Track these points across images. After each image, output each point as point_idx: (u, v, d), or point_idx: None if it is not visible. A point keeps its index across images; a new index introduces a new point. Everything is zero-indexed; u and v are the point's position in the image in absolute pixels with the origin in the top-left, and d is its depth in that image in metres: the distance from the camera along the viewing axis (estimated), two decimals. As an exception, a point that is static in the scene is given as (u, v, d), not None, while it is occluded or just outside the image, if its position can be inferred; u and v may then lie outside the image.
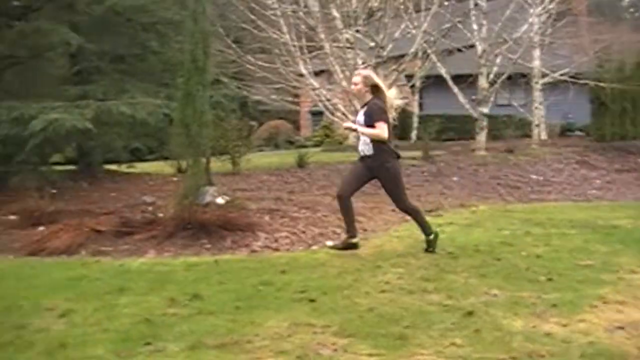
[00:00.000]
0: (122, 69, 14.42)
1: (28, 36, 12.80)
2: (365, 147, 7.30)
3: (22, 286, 6.59)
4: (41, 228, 8.99)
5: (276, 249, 7.85)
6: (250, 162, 15.67)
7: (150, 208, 9.96)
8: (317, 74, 20.69)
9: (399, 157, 7.41)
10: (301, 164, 16.01)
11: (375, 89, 7.30)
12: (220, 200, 8.95)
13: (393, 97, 7.49)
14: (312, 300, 5.60)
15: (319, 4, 17.94)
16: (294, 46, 18.06)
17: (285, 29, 17.95)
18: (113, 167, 16.28)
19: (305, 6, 17.76)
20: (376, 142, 7.17)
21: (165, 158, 17.38)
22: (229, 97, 14.79)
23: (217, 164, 13.19)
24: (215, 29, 16.61)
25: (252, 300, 5.70)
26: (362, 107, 7.49)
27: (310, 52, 18.89)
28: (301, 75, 18.87)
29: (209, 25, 9.50)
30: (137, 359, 4.46)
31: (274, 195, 10.99)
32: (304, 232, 8.45)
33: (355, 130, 7.56)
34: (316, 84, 18.57)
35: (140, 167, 17.79)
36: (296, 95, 26.13)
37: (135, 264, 7.35)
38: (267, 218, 9.01)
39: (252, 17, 18.73)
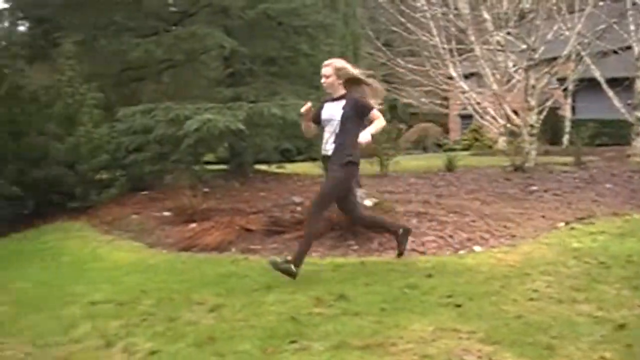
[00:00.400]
0: (273, 71, 14.69)
1: (184, 40, 13.27)
2: (329, 147, 6.47)
3: (174, 280, 6.83)
4: (193, 225, 9.27)
5: (423, 253, 7.71)
6: (399, 165, 15.54)
7: (298, 208, 10.05)
8: (466, 76, 20.35)
9: (353, 163, 6.45)
10: (450, 167, 15.73)
11: (351, 82, 6.51)
12: (368, 202, 8.91)
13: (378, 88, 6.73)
14: (458, 306, 5.45)
15: (469, 6, 17.64)
16: (444, 49, 17.86)
17: (435, 31, 17.79)
18: (263, 167, 16.59)
19: (456, 8, 17.51)
20: (344, 135, 6.34)
21: (314, 159, 17.53)
22: (378, 99, 14.74)
23: (366, 166, 13.15)
24: (365, 32, 16.68)
25: (398, 302, 5.62)
26: (334, 100, 6.54)
27: (460, 54, 18.63)
28: (451, 78, 18.64)
29: (359, 28, 9.50)
30: (282, 356, 4.49)
31: (421, 198, 10.83)
32: (451, 236, 8.27)
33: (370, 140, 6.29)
34: (466, 87, 18.29)
35: (290, 167, 18.04)
36: (445, 98, 25.86)
37: (283, 263, 7.43)
38: (414, 221, 8.89)
39: (402, 19, 18.68)
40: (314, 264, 7.21)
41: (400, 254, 7.08)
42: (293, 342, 4.68)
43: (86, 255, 8.70)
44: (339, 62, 6.52)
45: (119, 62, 14.82)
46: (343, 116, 6.33)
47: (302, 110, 6.66)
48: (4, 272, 8.12)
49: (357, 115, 6.40)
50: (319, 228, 6.65)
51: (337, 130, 6.38)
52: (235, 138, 12.92)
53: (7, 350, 5.21)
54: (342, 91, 6.48)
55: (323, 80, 6.50)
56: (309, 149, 19.31)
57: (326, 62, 6.53)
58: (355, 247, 7.88)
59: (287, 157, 20.21)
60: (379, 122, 6.33)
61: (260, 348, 4.60)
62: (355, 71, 6.52)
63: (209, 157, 17.56)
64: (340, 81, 6.44)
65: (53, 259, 8.70)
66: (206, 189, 11.56)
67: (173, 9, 15.87)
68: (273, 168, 16.75)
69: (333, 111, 6.44)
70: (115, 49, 13.93)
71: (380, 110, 6.55)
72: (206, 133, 10.96)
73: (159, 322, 5.35)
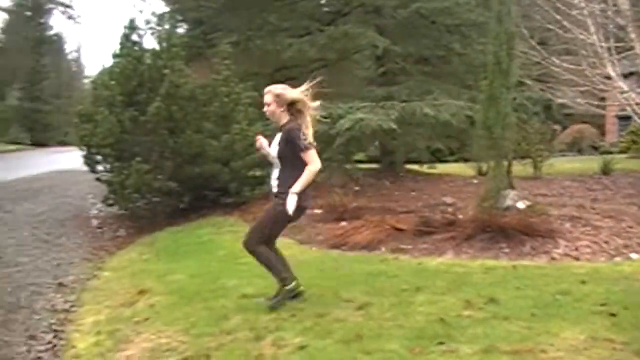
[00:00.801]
0: (426, 71, 14.58)
1: (337, 40, 13.38)
2: (273, 183, 5.83)
3: (324, 277, 6.86)
4: (344, 223, 9.31)
5: (576, 259, 7.38)
6: (553, 168, 15.03)
7: (450, 209, 9.91)
8: (625, 76, 19.34)
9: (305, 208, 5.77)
10: (606, 171, 15.03)
11: (294, 107, 5.73)
12: (521, 205, 8.65)
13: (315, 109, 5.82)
14: (612, 315, 5.14)
15: (629, 2, 16.79)
16: (602, 47, 17.07)
17: (592, 29, 17.04)
18: (414, 167, 16.50)
19: (615, 5, 16.69)
20: (286, 169, 5.69)
21: (466, 160, 17.26)
22: (532, 100, 14.31)
23: (519, 168, 12.79)
24: (520, 30, 16.18)
25: (549, 309, 5.37)
26: (279, 131, 5.85)
27: (619, 53, 17.75)
28: (609, 77, 17.78)
29: (513, 27, 9.22)
30: (429, 357, 4.39)
31: (575, 202, 10.41)
32: (606, 242, 7.87)
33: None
34: (625, 87, 17.41)
35: (441, 168, 17.86)
36: (602, 99, 24.76)
37: (433, 263, 7.32)
38: (568, 226, 8.54)
39: (558, 17, 18.02)
40: (465, 266, 7.07)
41: (271, 306, 5.81)
42: (441, 343, 4.58)
43: (239, 250, 8.86)
44: (278, 89, 5.79)
45: (273, 62, 15.17)
46: (279, 152, 5.70)
47: (257, 146, 6.13)
48: (161, 264, 8.44)
49: (291, 152, 5.64)
50: (268, 253, 5.83)
51: (279, 166, 5.78)
52: (387, 137, 12.90)
53: (163, 339, 5.39)
54: (285, 120, 5.75)
55: (265, 109, 5.83)
56: (461, 150, 19.02)
57: (266, 90, 5.86)
58: (507, 250, 7.66)
59: (439, 157, 20.02)
60: (308, 171, 5.54)
61: (407, 348, 4.53)
62: (293, 94, 5.73)
63: (360, 156, 17.64)
64: (283, 109, 5.72)
65: (208, 253, 8.96)
66: (357, 188, 11.61)
67: (326, 9, 16.05)
68: (424, 168, 16.62)
69: (274, 144, 5.81)
70: (270, 49, 14.26)
71: (311, 148, 5.66)
72: (359, 132, 11.00)
73: (308, 318, 5.38)
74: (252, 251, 5.79)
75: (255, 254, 5.77)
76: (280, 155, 5.64)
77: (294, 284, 5.74)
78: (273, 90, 5.74)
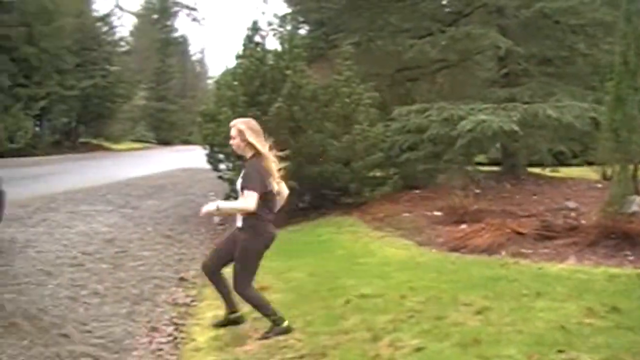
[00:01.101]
0: (549, 71, 14.26)
1: (458, 41, 13.28)
2: (238, 217, 5.77)
3: (443, 280, 6.84)
4: (464, 226, 9.24)
5: None
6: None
7: (572, 214, 9.67)
8: None
9: (269, 237, 5.73)
10: None
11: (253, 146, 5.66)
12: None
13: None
14: None
15: None
16: None
17: None
18: (536, 170, 16.16)
19: None
20: (245, 215, 5.63)
21: (589, 163, 16.76)
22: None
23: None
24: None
25: (678, 319, 5.22)
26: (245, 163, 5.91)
27: None
28: None
29: (642, 25, 8.92)
30: (548, 364, 4.37)
31: None
32: None
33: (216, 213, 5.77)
34: None
35: (563, 171, 17.42)
36: None
37: (554, 269, 7.18)
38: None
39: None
40: (587, 272, 6.90)
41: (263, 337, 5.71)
42: (560, 351, 4.50)
43: (358, 250, 8.99)
44: (241, 124, 5.73)
45: (394, 63, 15.20)
46: (241, 185, 5.63)
47: (206, 210, 5.88)
48: (281, 262, 8.60)
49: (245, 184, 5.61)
50: (257, 296, 5.82)
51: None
52: (508, 139, 12.71)
53: (281, 335, 5.54)
54: (249, 154, 5.71)
55: (230, 141, 5.80)
56: (584, 153, 18.51)
57: (232, 123, 5.83)
58: (631, 258, 7.42)
59: (561, 160, 19.50)
60: (239, 202, 5.57)
61: (525, 354, 4.48)
62: (251, 138, 5.64)
63: (480, 158, 17.43)
64: (245, 144, 5.67)
65: (326, 252, 9.08)
66: (477, 190, 11.49)
67: (448, 9, 15.95)
68: (546, 171, 16.26)
69: (240, 177, 5.78)
70: (391, 49, 14.30)
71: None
72: (479, 134, 10.90)
73: (425, 320, 5.40)
74: (243, 295, 5.73)
75: (245, 297, 5.73)
76: (242, 189, 5.57)
77: (285, 324, 5.66)
78: (237, 125, 5.72)
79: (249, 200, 5.39)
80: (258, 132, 5.70)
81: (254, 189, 5.41)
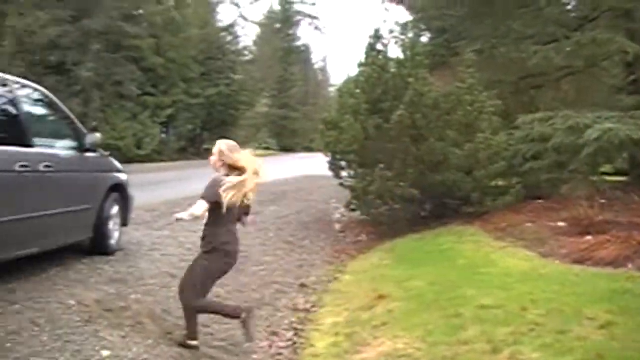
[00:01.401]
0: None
1: (584, 46, 12.95)
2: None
3: (566, 292, 6.72)
4: (588, 237, 9.03)
5: None
6: None
7: None
8: None
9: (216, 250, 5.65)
10: None
11: (232, 168, 5.68)
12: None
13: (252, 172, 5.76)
14: None
15: None
16: None
17: None
18: (667, 180, 15.54)
19: None
20: (207, 224, 5.64)
21: None
22: None
23: None
24: None
25: None
26: None
27: None
28: None
29: None
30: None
31: None
32: None
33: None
34: None
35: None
36: None
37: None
38: None
39: None
40: None
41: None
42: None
43: (479, 260, 8.93)
44: (223, 145, 5.83)
45: (517, 70, 14.98)
46: None
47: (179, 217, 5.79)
48: (401, 270, 8.67)
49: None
50: (206, 303, 5.79)
51: (205, 219, 5.69)
52: (637, 148, 12.29)
53: (400, 344, 5.61)
54: (223, 174, 5.70)
55: (210, 158, 5.88)
56: None
57: (219, 141, 5.93)
58: None
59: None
60: (194, 207, 5.42)
61: (651, 372, 4.40)
62: (234, 157, 5.74)
63: (605, 167, 16.91)
64: (221, 164, 5.73)
65: (448, 261, 9.06)
66: (603, 201, 11.18)
67: (573, 14, 15.59)
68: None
69: None
70: (514, 56, 14.09)
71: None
72: (606, 143, 10.60)
73: (547, 334, 5.35)
74: (186, 305, 5.68)
75: (196, 309, 5.68)
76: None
77: (195, 343, 5.64)
78: (220, 145, 5.82)
79: (198, 206, 5.40)
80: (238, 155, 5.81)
81: (203, 197, 5.44)
